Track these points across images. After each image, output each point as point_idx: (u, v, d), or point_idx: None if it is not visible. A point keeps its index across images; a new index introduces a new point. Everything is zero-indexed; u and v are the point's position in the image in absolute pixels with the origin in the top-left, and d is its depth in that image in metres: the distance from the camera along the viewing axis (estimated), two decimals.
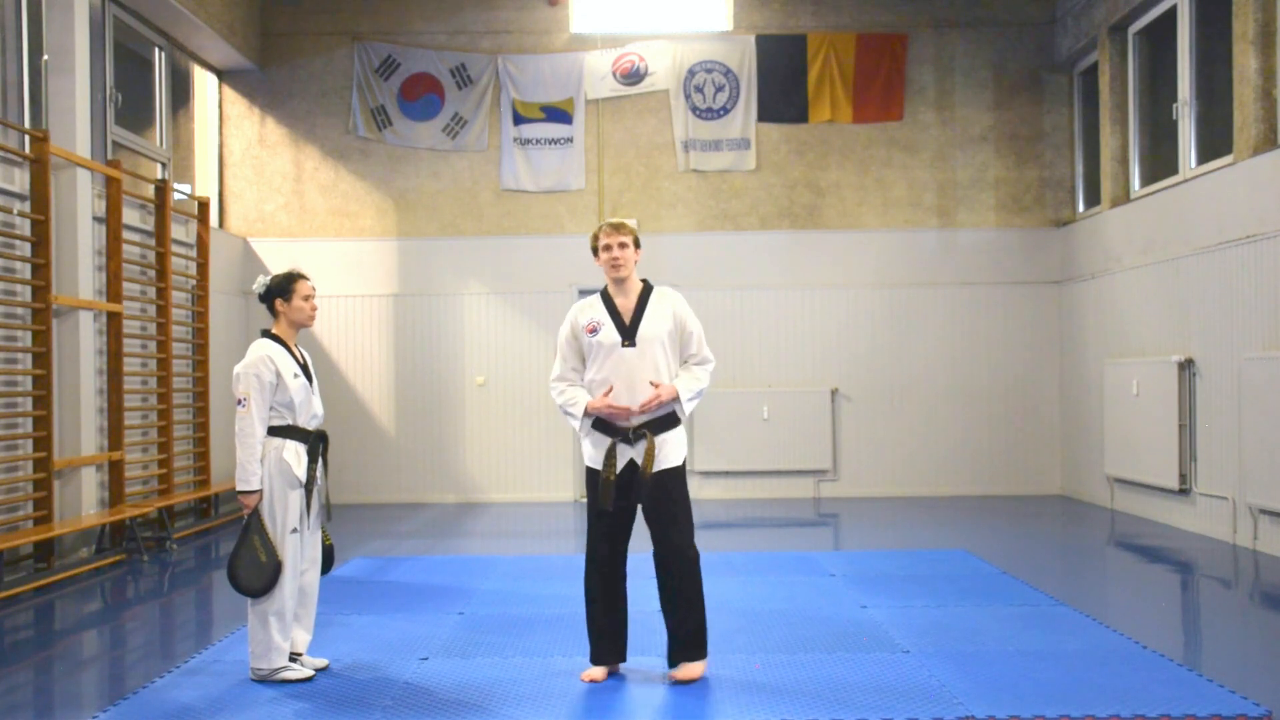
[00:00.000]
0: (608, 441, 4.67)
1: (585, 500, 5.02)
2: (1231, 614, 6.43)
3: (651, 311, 4.73)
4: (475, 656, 5.18)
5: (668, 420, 4.73)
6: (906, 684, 4.63)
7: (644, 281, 4.84)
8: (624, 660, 4.86)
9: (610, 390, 4.65)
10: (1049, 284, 11.53)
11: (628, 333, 4.69)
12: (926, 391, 11.47)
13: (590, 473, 4.78)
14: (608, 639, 4.78)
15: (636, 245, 4.80)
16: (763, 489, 11.33)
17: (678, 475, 4.71)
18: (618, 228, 4.77)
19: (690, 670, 4.70)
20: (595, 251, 4.83)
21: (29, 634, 6.16)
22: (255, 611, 4.77)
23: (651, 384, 4.64)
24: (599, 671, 4.76)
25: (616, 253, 4.74)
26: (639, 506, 4.71)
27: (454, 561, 7.85)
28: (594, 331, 4.72)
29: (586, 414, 4.69)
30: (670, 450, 4.71)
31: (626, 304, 4.76)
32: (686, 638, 4.71)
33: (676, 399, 4.67)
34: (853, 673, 4.81)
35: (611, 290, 4.80)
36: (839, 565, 7.36)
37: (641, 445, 4.65)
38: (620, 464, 4.65)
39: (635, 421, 4.66)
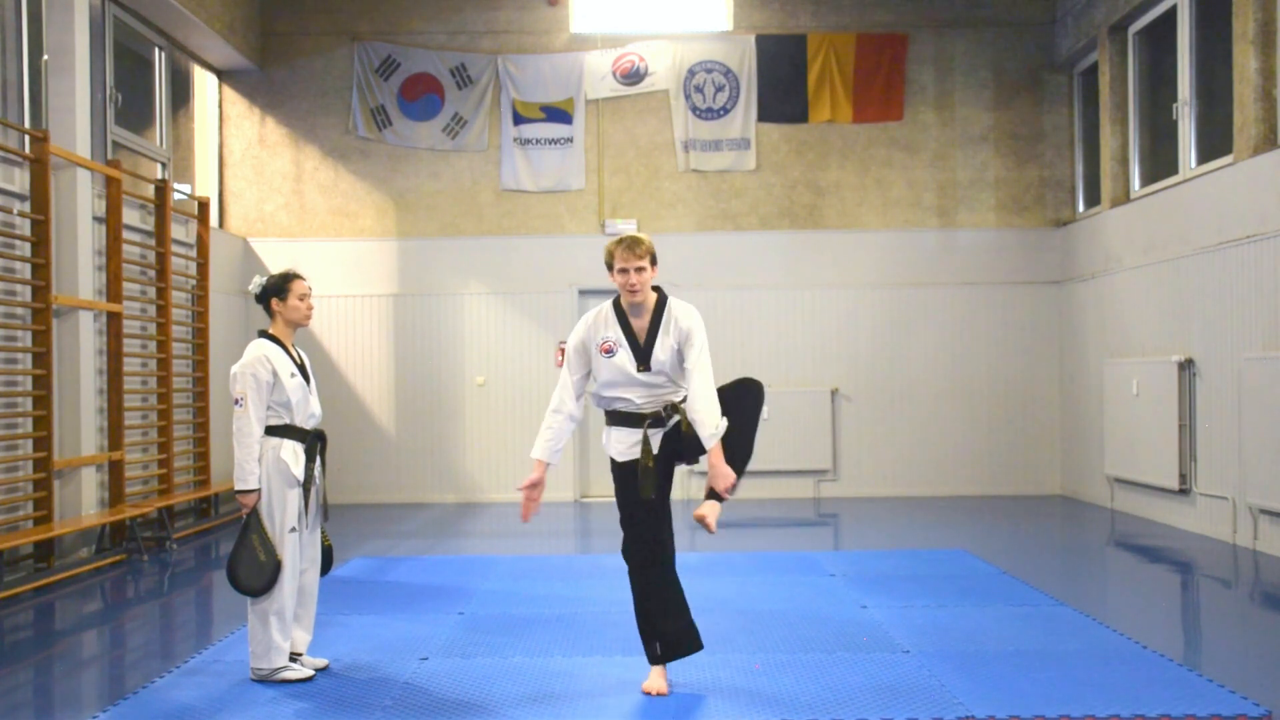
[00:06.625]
0: (638, 432, 4.49)
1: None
2: (1231, 614, 6.43)
3: (663, 334, 4.47)
4: (475, 656, 5.18)
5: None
6: (906, 684, 4.63)
7: (657, 291, 4.58)
8: (701, 648, 4.65)
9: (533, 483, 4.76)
10: (1049, 284, 11.52)
11: (643, 357, 4.48)
12: (927, 391, 11.47)
13: (620, 469, 4.59)
14: (672, 638, 4.55)
15: (653, 262, 4.50)
16: (763, 489, 11.32)
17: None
18: (632, 247, 4.44)
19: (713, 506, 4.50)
20: (609, 268, 4.52)
21: (29, 634, 6.16)
22: (255, 611, 4.77)
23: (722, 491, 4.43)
24: (663, 681, 4.55)
25: (633, 278, 4.44)
26: (670, 495, 4.59)
27: (454, 561, 7.85)
28: (609, 353, 4.51)
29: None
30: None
31: (641, 325, 4.52)
32: None
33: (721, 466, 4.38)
34: (853, 673, 4.80)
35: (626, 307, 4.54)
36: (839, 565, 7.36)
37: (675, 420, 4.47)
38: (655, 449, 4.47)
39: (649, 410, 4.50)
